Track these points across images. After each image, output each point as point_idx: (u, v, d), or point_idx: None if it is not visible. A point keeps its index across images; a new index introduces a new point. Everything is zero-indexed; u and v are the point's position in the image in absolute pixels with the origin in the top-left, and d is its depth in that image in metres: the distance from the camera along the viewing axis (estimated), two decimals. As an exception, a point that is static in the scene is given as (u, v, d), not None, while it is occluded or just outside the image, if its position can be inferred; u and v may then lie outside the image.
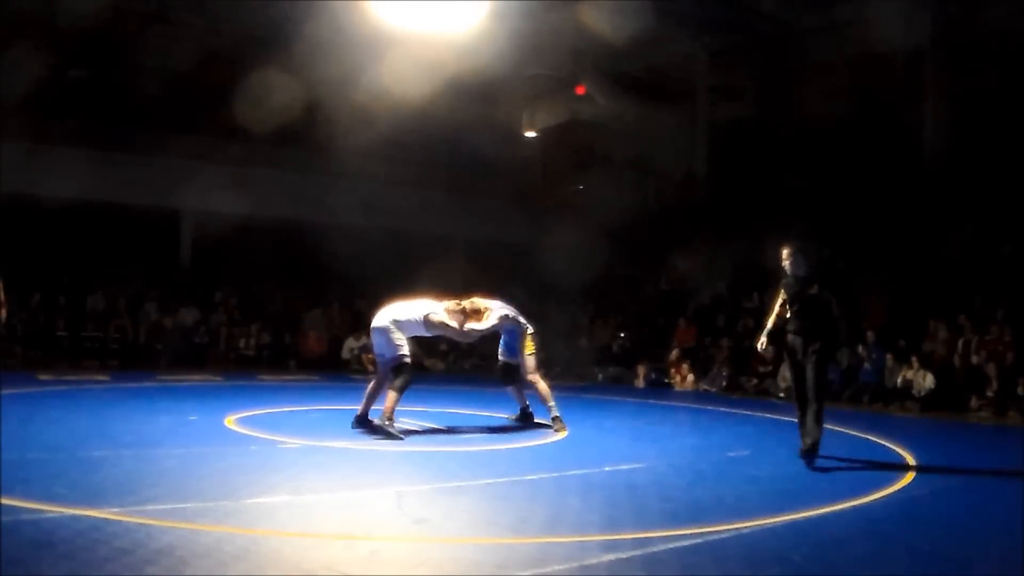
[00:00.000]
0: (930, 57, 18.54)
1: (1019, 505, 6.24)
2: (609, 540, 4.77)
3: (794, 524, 5.41)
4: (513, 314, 9.12)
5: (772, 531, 5.18)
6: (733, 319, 17.23)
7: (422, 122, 19.46)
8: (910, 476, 7.26)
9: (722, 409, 12.67)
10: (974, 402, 13.00)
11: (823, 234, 16.49)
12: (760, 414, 11.88)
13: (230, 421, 8.92)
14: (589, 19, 18.33)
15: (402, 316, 8.34)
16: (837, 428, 9.71)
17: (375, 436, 8.05)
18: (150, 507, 5.06)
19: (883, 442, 9.13)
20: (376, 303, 8.96)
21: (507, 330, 9.28)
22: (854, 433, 9.74)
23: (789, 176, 18.64)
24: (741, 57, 21.45)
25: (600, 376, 17.12)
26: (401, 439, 7.99)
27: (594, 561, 4.40)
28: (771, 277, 8.33)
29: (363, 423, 8.42)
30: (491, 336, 9.56)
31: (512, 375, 9.51)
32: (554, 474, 6.75)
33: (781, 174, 19.04)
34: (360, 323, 16.34)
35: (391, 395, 8.14)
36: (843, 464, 7.57)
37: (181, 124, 18.23)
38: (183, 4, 18.64)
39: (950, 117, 17.85)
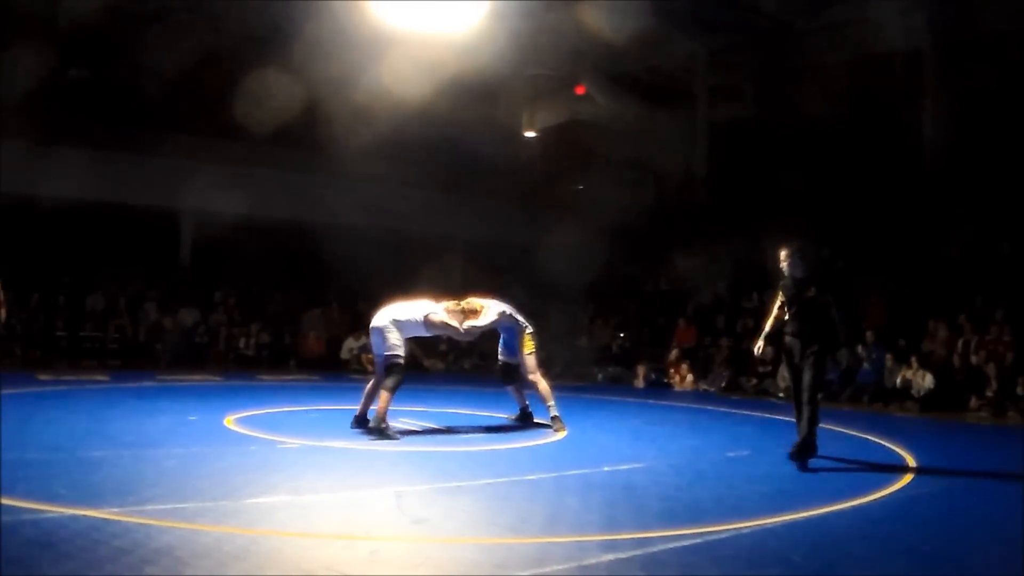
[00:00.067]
0: (929, 57, 18.52)
1: (1019, 505, 6.24)
2: (608, 540, 4.77)
3: (794, 524, 5.41)
4: (510, 311, 9.15)
5: (772, 531, 5.18)
6: (733, 319, 17.23)
7: (422, 122, 19.43)
8: (909, 476, 7.26)
9: (721, 409, 12.67)
10: (973, 402, 13.00)
11: (823, 234, 16.49)
12: (759, 414, 11.88)
13: (230, 421, 8.92)
14: (589, 19, 18.31)
15: (402, 316, 8.35)
16: (837, 428, 9.72)
17: (371, 437, 8.06)
18: (149, 507, 5.07)
19: (882, 442, 9.14)
20: (376, 303, 8.96)
21: (506, 329, 9.29)
22: (854, 433, 9.74)
23: (789, 176, 18.63)
24: (741, 57, 21.43)
25: (600, 376, 17.12)
26: (397, 439, 8.00)
27: (593, 561, 4.40)
28: (771, 277, 8.33)
29: (362, 423, 8.43)
30: (491, 336, 9.58)
31: (512, 375, 9.52)
32: (553, 474, 6.75)
33: (781, 174, 19.02)
34: (359, 323, 16.34)
35: (383, 396, 8.14)
36: (842, 464, 7.57)
37: (181, 124, 18.21)
38: (183, 4, 18.63)
39: (949, 117, 17.84)
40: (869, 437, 9.54)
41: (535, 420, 9.48)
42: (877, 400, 13.67)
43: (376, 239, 18.88)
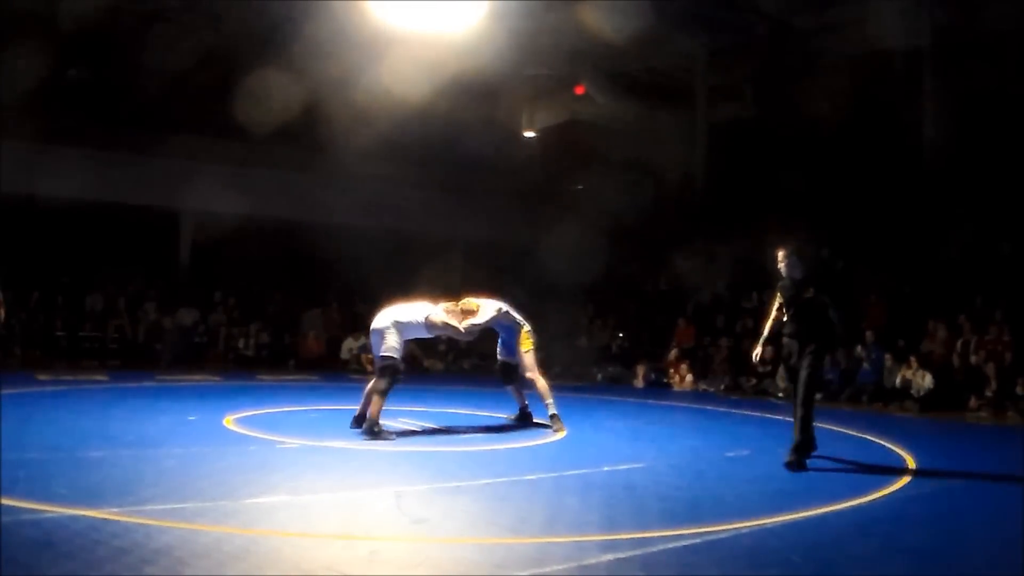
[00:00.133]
0: (929, 57, 18.52)
1: (1019, 505, 6.24)
2: (608, 540, 4.77)
3: (793, 524, 5.41)
4: (507, 308, 9.19)
5: (771, 531, 5.18)
6: (732, 319, 17.23)
7: (422, 122, 19.44)
8: (909, 476, 7.26)
9: (721, 409, 12.67)
10: (973, 402, 13.00)
11: (823, 234, 16.49)
12: (759, 414, 11.88)
13: (229, 421, 8.92)
14: (589, 19, 18.31)
15: (403, 318, 8.36)
16: (836, 428, 9.72)
17: (367, 438, 8.06)
18: (149, 507, 5.07)
19: (882, 442, 9.14)
20: (375, 303, 8.98)
21: (504, 327, 9.32)
22: (853, 433, 9.74)
23: (789, 176, 18.63)
24: (741, 57, 21.43)
25: (599, 376, 17.12)
26: (392, 439, 8.01)
27: (593, 561, 4.40)
28: (770, 277, 8.32)
29: (362, 423, 8.43)
30: (490, 336, 9.59)
31: (511, 374, 9.53)
32: (553, 474, 6.75)
33: (781, 174, 19.02)
34: (359, 323, 16.35)
35: (375, 399, 8.13)
36: (842, 464, 7.57)
37: (181, 124, 18.19)
38: (183, 4, 18.62)
39: (949, 117, 17.84)
40: (869, 437, 9.54)
41: (534, 420, 9.49)
42: (877, 400, 13.66)
43: (376, 239, 18.88)
